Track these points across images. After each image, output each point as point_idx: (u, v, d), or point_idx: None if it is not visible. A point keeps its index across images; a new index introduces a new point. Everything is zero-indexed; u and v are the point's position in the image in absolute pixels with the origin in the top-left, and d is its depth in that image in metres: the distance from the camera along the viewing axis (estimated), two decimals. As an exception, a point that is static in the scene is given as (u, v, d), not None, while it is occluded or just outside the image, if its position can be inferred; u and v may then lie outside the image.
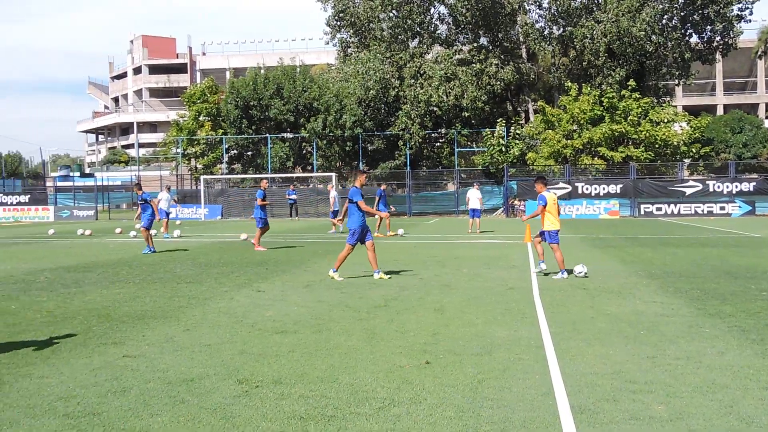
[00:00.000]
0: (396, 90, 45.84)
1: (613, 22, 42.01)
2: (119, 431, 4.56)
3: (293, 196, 40.58)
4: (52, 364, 6.27)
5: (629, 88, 41.42)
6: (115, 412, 4.93)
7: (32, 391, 5.46)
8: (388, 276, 12.40)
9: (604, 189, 39.72)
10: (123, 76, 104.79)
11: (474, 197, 25.74)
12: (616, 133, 40.78)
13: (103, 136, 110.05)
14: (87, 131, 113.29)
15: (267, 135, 48.28)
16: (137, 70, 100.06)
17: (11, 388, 5.54)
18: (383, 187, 25.55)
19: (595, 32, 42.41)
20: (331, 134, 46.24)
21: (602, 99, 41.30)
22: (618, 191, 39.53)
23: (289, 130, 48.14)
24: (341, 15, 49.45)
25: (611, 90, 41.35)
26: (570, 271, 12.40)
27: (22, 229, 32.67)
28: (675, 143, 41.24)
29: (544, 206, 12.71)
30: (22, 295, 10.57)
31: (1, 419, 4.79)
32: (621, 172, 40.90)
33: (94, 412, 4.94)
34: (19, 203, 47.25)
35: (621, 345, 6.85)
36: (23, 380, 5.75)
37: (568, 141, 41.85)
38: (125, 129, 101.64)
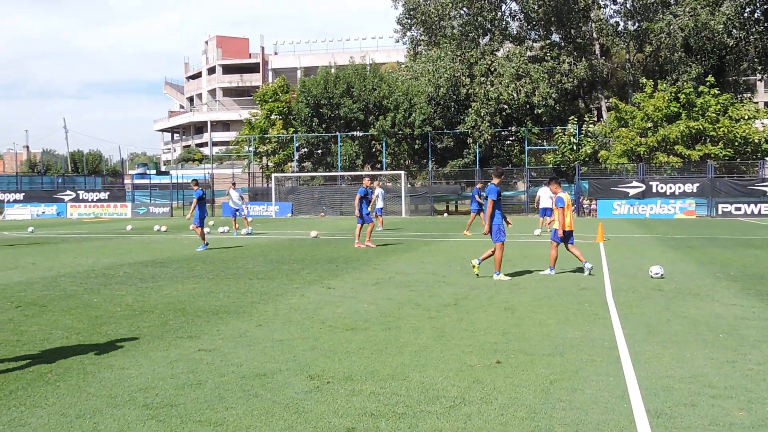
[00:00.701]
0: (466, 88, 45.58)
1: (690, 15, 40.77)
2: (195, 423, 4.68)
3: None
4: (132, 356, 6.49)
5: (708, 84, 40.08)
6: (192, 404, 5.06)
7: (113, 381, 5.66)
8: (509, 278, 12.09)
9: (679, 188, 38.56)
10: (198, 76, 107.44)
11: (545, 196, 25.33)
12: (693, 131, 39.54)
13: (178, 135, 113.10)
14: (163, 130, 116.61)
15: (337, 133, 48.72)
16: (211, 70, 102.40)
17: (94, 378, 5.76)
18: (479, 185, 25.10)
19: (671, 27, 41.22)
20: (399, 132, 46.31)
21: (678, 95, 40.11)
22: (694, 190, 38.31)
23: (358, 128, 48.46)
24: (412, 13, 49.51)
25: (688, 86, 40.11)
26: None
27: (102, 225, 33.88)
28: (756, 140, 39.69)
29: (563, 208, 12.50)
30: (103, 289, 10.97)
31: (85, 408, 4.99)
32: (698, 170, 39.64)
33: (171, 403, 5.09)
34: (99, 200, 49.02)
35: (699, 349, 6.65)
36: (105, 371, 5.97)
37: (642, 139, 40.82)
38: (199, 128, 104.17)
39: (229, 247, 19.30)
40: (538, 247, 18.57)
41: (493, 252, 12.18)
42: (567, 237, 12.59)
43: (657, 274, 11.90)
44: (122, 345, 6.95)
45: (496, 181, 12.25)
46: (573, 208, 12.50)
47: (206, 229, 25.94)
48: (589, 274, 12.31)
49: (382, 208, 26.95)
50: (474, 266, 12.30)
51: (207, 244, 18.63)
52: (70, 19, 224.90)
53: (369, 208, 20.83)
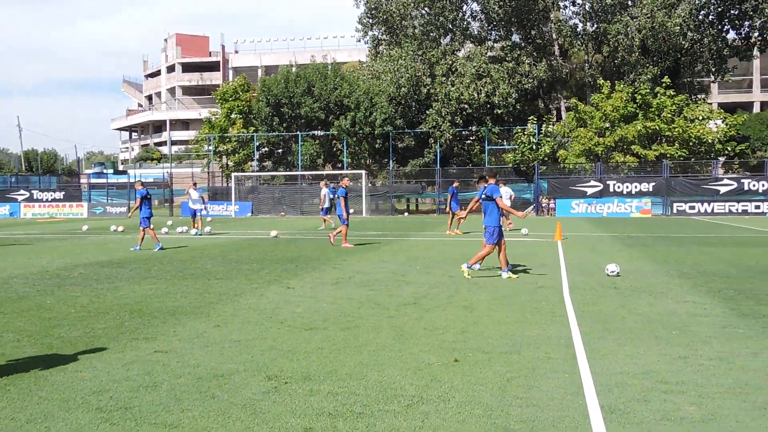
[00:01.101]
0: (427, 87, 45.77)
1: (647, 17, 41.52)
2: (151, 425, 4.62)
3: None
4: (86, 359, 6.38)
5: (663, 85, 40.88)
6: (147, 407, 4.99)
7: (66, 385, 5.55)
8: (517, 276, 12.06)
9: (636, 187, 39.27)
10: (157, 74, 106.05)
11: (505, 195, 25.46)
12: (650, 131, 40.30)
13: (136, 134, 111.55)
14: (121, 129, 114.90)
15: (298, 132, 48.53)
16: (171, 69, 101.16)
17: (46, 381, 5.64)
18: (456, 184, 25.02)
19: (629, 28, 41.92)
20: (360, 132, 46.32)
21: (635, 96, 40.82)
22: (650, 189, 39.05)
23: (319, 127, 48.33)
24: (374, 12, 49.56)
25: (645, 87, 40.84)
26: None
27: (57, 226, 33.25)
28: (710, 141, 40.62)
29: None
30: (57, 290, 10.76)
31: (36, 412, 4.89)
32: (654, 170, 40.40)
33: (126, 406, 5.01)
34: (53, 200, 48.08)
35: (652, 345, 6.77)
36: (58, 374, 5.85)
37: (600, 139, 41.44)
38: (158, 127, 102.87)
39: (188, 246, 19.09)
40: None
41: (489, 253, 12.13)
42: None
43: (613, 272, 12.08)
44: (76, 347, 6.82)
45: (493, 180, 12.06)
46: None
47: (164, 229, 25.79)
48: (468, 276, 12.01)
49: (328, 208, 26.96)
50: (511, 278, 11.86)
51: (161, 244, 18.38)
52: (24, 15, 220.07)
53: (322, 206, 21.21)
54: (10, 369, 6.01)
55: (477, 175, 12.66)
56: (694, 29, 43.00)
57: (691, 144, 40.50)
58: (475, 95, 43.82)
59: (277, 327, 7.80)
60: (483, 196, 12.10)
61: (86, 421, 4.70)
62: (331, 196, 39.81)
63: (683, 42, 43.06)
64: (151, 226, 18.42)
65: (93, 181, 55.33)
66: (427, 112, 45.73)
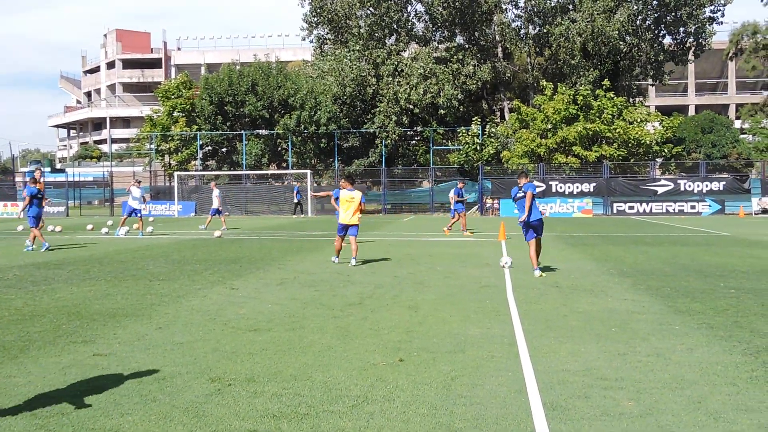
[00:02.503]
0: (373, 88, 45.82)
1: (588, 21, 42.38)
2: (89, 431, 4.51)
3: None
4: (20, 363, 6.18)
5: (603, 87, 41.81)
6: (85, 412, 4.87)
7: None
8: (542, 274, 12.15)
9: (577, 187, 40.08)
10: (96, 70, 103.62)
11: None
12: (590, 132, 41.15)
13: (75, 131, 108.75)
14: (58, 126, 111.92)
15: (242, 131, 48.03)
16: (111, 65, 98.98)
17: (-22, 387, 5.45)
18: (461, 185, 24.52)
19: (570, 32, 42.74)
20: (305, 131, 46.10)
21: (576, 98, 41.64)
22: (591, 190, 39.90)
23: (263, 126, 47.93)
24: (318, 11, 49.37)
25: (586, 89, 41.71)
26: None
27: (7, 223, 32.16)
28: (648, 142, 41.71)
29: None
30: (-9, 293, 10.41)
31: (-32, 418, 4.72)
32: (594, 170, 41.29)
33: (63, 411, 4.88)
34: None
35: (593, 342, 6.91)
36: (-9, 379, 5.66)
37: (543, 140, 42.15)
38: (98, 124, 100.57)
39: (129, 247, 18.70)
40: (443, 246, 18.86)
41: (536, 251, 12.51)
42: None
43: (506, 263, 12.97)
44: (9, 352, 6.61)
45: (525, 180, 12.53)
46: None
47: (104, 230, 25.19)
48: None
49: (218, 209, 26.54)
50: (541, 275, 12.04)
51: (48, 244, 17.70)
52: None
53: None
54: (-60, 375, 5.79)
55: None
56: (632, 34, 44.10)
57: (630, 145, 41.54)
58: (421, 96, 44.05)
59: (220, 328, 7.70)
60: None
61: (20, 428, 4.55)
62: (297, 199, 39.75)
63: (622, 46, 44.12)
64: (40, 226, 17.80)
65: (29, 179, 53.71)
66: (373, 112, 45.79)
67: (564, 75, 45.42)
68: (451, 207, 24.15)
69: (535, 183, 12.53)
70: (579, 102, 41.49)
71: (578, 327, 7.68)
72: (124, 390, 5.38)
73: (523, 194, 12.36)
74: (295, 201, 40.68)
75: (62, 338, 7.21)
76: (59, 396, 5.23)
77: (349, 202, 14.03)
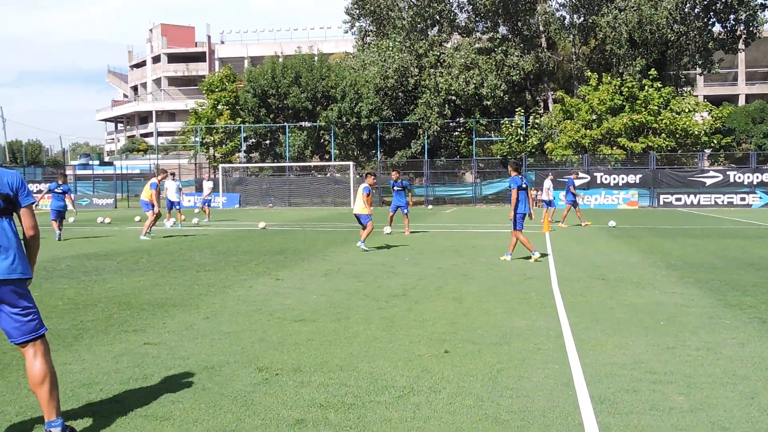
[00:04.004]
0: (415, 79, 45.71)
1: (634, 10, 41.61)
2: (141, 418, 4.61)
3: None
4: (75, 351, 6.35)
5: (650, 77, 41.04)
6: (137, 399, 4.98)
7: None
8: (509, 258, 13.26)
9: (623, 179, 39.47)
10: (142, 64, 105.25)
11: (546, 188, 24.87)
12: (636, 123, 40.48)
13: (122, 125, 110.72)
14: (106, 120, 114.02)
15: (285, 123, 48.38)
16: (156, 59, 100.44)
17: (35, 373, 5.60)
18: (573, 175, 24.18)
19: (617, 21, 41.99)
20: (347, 123, 46.24)
21: (622, 89, 40.97)
22: (637, 181, 39.27)
23: (306, 118, 48.21)
24: (361, 3, 49.38)
25: (632, 79, 40.99)
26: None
27: (43, 217, 32.97)
28: (696, 133, 40.87)
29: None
30: (45, 283, 10.69)
31: (25, 405, 4.86)
32: (640, 162, 40.62)
33: (116, 399, 5.00)
34: (39, 191, 47.65)
35: (640, 335, 6.82)
36: (47, 366, 5.81)
37: (587, 131, 41.59)
38: (144, 118, 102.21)
39: (176, 238, 19.02)
40: (486, 238, 18.77)
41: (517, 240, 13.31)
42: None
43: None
44: (64, 340, 6.79)
45: (514, 173, 13.09)
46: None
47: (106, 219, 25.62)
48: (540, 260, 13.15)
49: (178, 202, 24.67)
50: (534, 258, 13.09)
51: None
52: (4, 4, 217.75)
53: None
54: (-1, 361, 5.97)
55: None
56: (680, 22, 43.17)
57: (677, 136, 40.74)
58: (464, 86, 43.81)
59: (267, 319, 7.79)
60: (524, 185, 13.03)
61: (76, 414, 4.68)
62: None
63: (670, 35, 43.21)
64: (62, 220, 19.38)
65: (79, 172, 55.02)
66: (415, 103, 45.69)
67: (609, 65, 44.70)
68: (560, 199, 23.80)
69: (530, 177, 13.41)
70: (625, 92, 40.81)
71: (625, 320, 7.58)
72: (174, 378, 5.48)
73: (526, 186, 13.06)
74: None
75: (114, 327, 7.38)
76: (112, 383, 5.35)
77: (359, 194, 15.86)
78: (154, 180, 19.63)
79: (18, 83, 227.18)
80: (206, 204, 28.37)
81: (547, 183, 24.80)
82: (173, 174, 26.22)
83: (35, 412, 4.68)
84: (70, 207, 19.63)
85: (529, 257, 13.33)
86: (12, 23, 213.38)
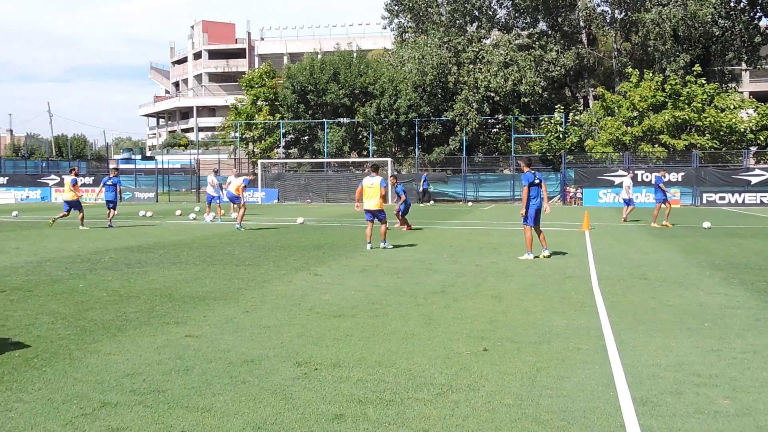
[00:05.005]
0: (454, 75, 45.53)
1: (679, 5, 40.84)
2: (183, 408, 4.67)
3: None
4: (119, 342, 6.46)
5: (694, 73, 40.24)
6: (179, 390, 5.05)
7: (100, 367, 5.63)
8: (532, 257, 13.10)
9: (664, 177, 38.76)
10: (183, 61, 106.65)
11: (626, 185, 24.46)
12: (679, 120, 39.76)
13: (163, 120, 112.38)
14: (148, 115, 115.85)
15: (323, 120, 48.57)
16: (197, 55, 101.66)
17: (80, 363, 5.72)
18: (661, 173, 23.14)
19: (661, 16, 41.25)
20: (385, 119, 46.25)
21: (665, 85, 40.26)
22: (680, 179, 38.56)
23: (345, 115, 48.34)
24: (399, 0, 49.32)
25: (675, 76, 40.26)
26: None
27: (87, 210, 33.58)
28: (741, 130, 39.98)
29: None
30: (89, 274, 10.90)
31: (71, 393, 4.96)
32: (683, 160, 39.89)
33: (159, 389, 5.07)
34: (83, 185, 48.53)
35: (684, 337, 6.71)
36: (91, 356, 5.94)
37: (628, 128, 40.99)
38: (185, 113, 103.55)
39: (215, 233, 19.24)
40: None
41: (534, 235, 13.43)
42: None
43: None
44: (108, 330, 6.92)
45: (526, 169, 13.23)
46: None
47: (192, 215, 26.06)
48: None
49: (218, 197, 24.92)
50: (545, 255, 13.22)
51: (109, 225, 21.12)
52: (50, 2, 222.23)
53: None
54: (46, 350, 6.10)
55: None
56: (725, 16, 42.27)
57: (721, 134, 39.88)
58: (502, 83, 43.50)
59: (305, 313, 7.83)
60: (536, 180, 13.12)
61: (121, 402, 4.77)
62: (424, 186, 40.29)
63: (715, 30, 42.34)
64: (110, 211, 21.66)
65: (122, 166, 55.92)
66: (454, 99, 45.50)
67: (652, 61, 43.95)
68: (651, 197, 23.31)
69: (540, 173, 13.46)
70: (667, 89, 40.10)
71: (668, 321, 7.46)
72: (215, 371, 5.54)
73: (539, 181, 13.16)
74: (423, 188, 41.14)
75: (156, 319, 7.50)
76: (155, 374, 5.44)
77: (369, 188, 14.80)
78: (246, 177, 20.64)
79: (64, 79, 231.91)
80: (216, 200, 26.10)
81: (627, 181, 24.48)
82: (216, 171, 26.58)
83: (81, 400, 4.78)
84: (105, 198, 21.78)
85: (542, 256, 13.26)
86: (59, 21, 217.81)
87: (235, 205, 24.56)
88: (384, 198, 14.94)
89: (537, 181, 13.19)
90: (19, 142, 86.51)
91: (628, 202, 24.11)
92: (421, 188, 41.58)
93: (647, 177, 38.94)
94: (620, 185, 38.79)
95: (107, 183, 21.67)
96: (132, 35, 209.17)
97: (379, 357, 5.97)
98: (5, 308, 8.08)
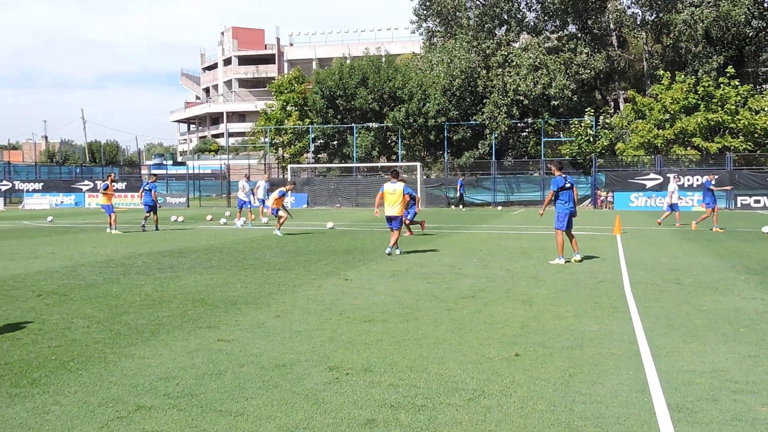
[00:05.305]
0: (483, 79, 45.38)
1: (711, 6, 40.29)
2: (216, 412, 4.71)
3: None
4: (152, 346, 6.53)
5: (727, 75, 39.64)
6: (212, 394, 5.09)
7: (134, 370, 5.70)
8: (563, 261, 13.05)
9: (697, 180, 38.23)
10: (214, 67, 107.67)
11: (673, 190, 24.11)
12: (712, 123, 39.18)
13: (194, 126, 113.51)
14: (179, 121, 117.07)
15: (353, 124, 48.71)
16: (227, 61, 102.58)
17: (115, 367, 5.80)
18: (710, 177, 22.29)
19: (693, 17, 40.71)
20: (414, 123, 46.24)
21: (697, 87, 39.73)
22: (713, 183, 37.89)
23: (374, 119, 48.43)
24: (428, 4, 49.32)
25: (707, 77, 39.70)
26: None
27: (119, 215, 34.05)
28: (776, 132, 39.26)
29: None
30: (122, 279, 11.04)
31: (107, 396, 5.03)
32: (716, 162, 39.29)
33: (192, 393, 5.12)
34: (116, 190, 49.19)
35: (719, 343, 6.60)
36: (126, 360, 6.01)
37: (660, 131, 40.50)
38: (215, 118, 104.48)
39: (246, 237, 19.37)
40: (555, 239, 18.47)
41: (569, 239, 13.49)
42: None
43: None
44: (142, 334, 7.00)
45: (557, 173, 13.22)
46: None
47: (222, 220, 26.34)
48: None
49: (248, 202, 25.19)
50: (576, 260, 13.19)
51: (144, 227, 22.28)
52: (84, 10, 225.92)
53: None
54: (81, 354, 6.19)
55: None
56: (759, 17, 41.62)
57: (756, 136, 39.22)
58: (531, 86, 43.24)
59: (336, 318, 7.85)
60: (567, 185, 13.09)
61: (155, 405, 4.82)
62: (461, 192, 40.10)
63: (748, 30, 41.71)
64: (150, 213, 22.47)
65: (153, 172, 56.48)
66: (483, 103, 45.34)
67: (684, 63, 43.39)
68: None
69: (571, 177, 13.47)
70: (699, 91, 39.56)
71: (703, 326, 7.35)
72: (247, 375, 5.58)
73: (570, 185, 13.09)
74: (459, 193, 41.21)
75: (188, 323, 7.57)
76: (188, 378, 5.49)
77: (392, 194, 14.63)
78: (282, 188, 20.37)
79: (97, 85, 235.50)
80: (261, 203, 26.71)
81: (673, 186, 24.07)
82: (247, 176, 26.82)
83: (116, 404, 4.84)
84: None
85: (569, 260, 13.22)
86: (92, 28, 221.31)
87: (265, 210, 25.11)
88: (405, 205, 14.98)
89: (568, 185, 13.10)
90: (54, 148, 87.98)
91: (673, 207, 23.70)
92: (458, 193, 41.61)
93: (679, 181, 38.42)
94: (653, 189, 38.48)
95: (144, 188, 22.61)
96: (163, 42, 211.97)
97: (411, 362, 5.96)
98: (42, 312, 8.21)
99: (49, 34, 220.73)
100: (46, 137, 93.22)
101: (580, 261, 13.15)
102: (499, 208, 41.98)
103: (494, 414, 4.67)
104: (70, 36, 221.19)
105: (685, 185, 38.31)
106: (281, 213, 20.05)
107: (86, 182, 50.35)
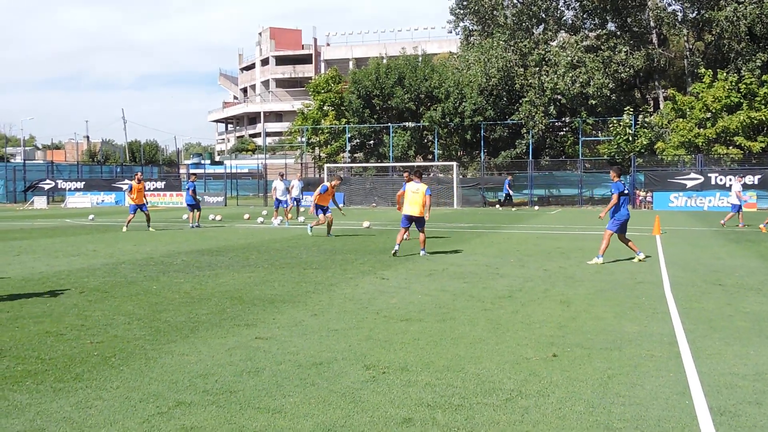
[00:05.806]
0: (520, 78, 45.06)
1: (754, 2, 39.47)
2: (254, 410, 4.75)
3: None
4: (191, 343, 6.62)
5: (771, 73, 38.83)
6: (250, 391, 5.14)
7: (174, 367, 5.78)
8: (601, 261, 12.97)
9: (750, 180, 37.50)
10: (251, 67, 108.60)
11: (736, 190, 23.89)
12: (755, 121, 38.39)
13: (232, 126, 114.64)
14: (217, 121, 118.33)
15: (389, 124, 48.75)
16: (265, 62, 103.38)
17: (155, 363, 5.89)
18: (739, 178, 22.73)
19: (736, 14, 39.91)
20: (450, 123, 46.11)
21: (739, 85, 38.96)
22: (756, 182, 37.22)
23: (410, 119, 48.41)
24: (465, 3, 49.12)
25: (750, 75, 38.90)
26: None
27: (159, 214, 34.56)
28: (822, 131, 38.36)
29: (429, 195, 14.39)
30: (162, 276, 11.21)
31: (148, 392, 5.11)
32: (759, 162, 38.49)
33: (230, 390, 5.18)
34: (155, 189, 50.01)
35: (763, 345, 6.47)
36: (166, 356, 6.10)
37: (701, 130, 39.81)
38: (253, 118, 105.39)
39: (282, 236, 19.51)
40: (593, 240, 18.28)
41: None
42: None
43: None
44: (181, 331, 7.09)
45: (616, 179, 13.38)
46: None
47: (260, 219, 26.58)
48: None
49: (285, 201, 25.41)
50: (640, 259, 13.28)
51: (192, 225, 23.44)
52: (126, 13, 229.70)
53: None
54: (123, 350, 6.30)
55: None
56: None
57: (801, 134, 38.38)
58: (569, 85, 42.81)
59: (373, 317, 7.87)
60: (626, 191, 13.26)
61: (195, 402, 4.88)
62: (507, 191, 39.96)
63: (794, 27, 40.78)
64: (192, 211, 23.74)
65: (192, 171, 57.18)
66: (520, 102, 45.03)
67: (726, 60, 42.58)
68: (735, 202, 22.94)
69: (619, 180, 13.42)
70: (742, 89, 38.78)
71: (746, 328, 7.21)
72: (285, 373, 5.62)
73: (628, 191, 13.25)
74: (505, 193, 40.91)
75: (227, 321, 7.65)
76: (226, 375, 5.55)
77: (414, 194, 14.38)
78: (326, 184, 20.02)
79: (137, 86, 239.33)
80: (295, 202, 26.57)
81: (737, 185, 23.68)
82: (282, 174, 26.99)
83: (157, 399, 4.92)
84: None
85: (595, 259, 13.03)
86: (132, 30, 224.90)
87: (302, 209, 25.52)
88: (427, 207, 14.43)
89: (626, 191, 13.29)
90: (95, 148, 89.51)
91: (737, 208, 23.25)
92: (504, 193, 41.24)
93: (721, 180, 37.75)
94: (693, 188, 37.84)
95: (186, 187, 24.10)
96: (202, 43, 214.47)
97: (447, 361, 5.95)
98: (84, 308, 8.37)
99: (91, 37, 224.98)
100: (87, 137, 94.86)
101: (644, 260, 13.25)
102: (536, 207, 41.65)
103: (532, 414, 4.64)
104: (111, 39, 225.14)
105: (727, 185, 37.59)
106: (321, 215, 19.05)
107: (126, 181, 51.08)
